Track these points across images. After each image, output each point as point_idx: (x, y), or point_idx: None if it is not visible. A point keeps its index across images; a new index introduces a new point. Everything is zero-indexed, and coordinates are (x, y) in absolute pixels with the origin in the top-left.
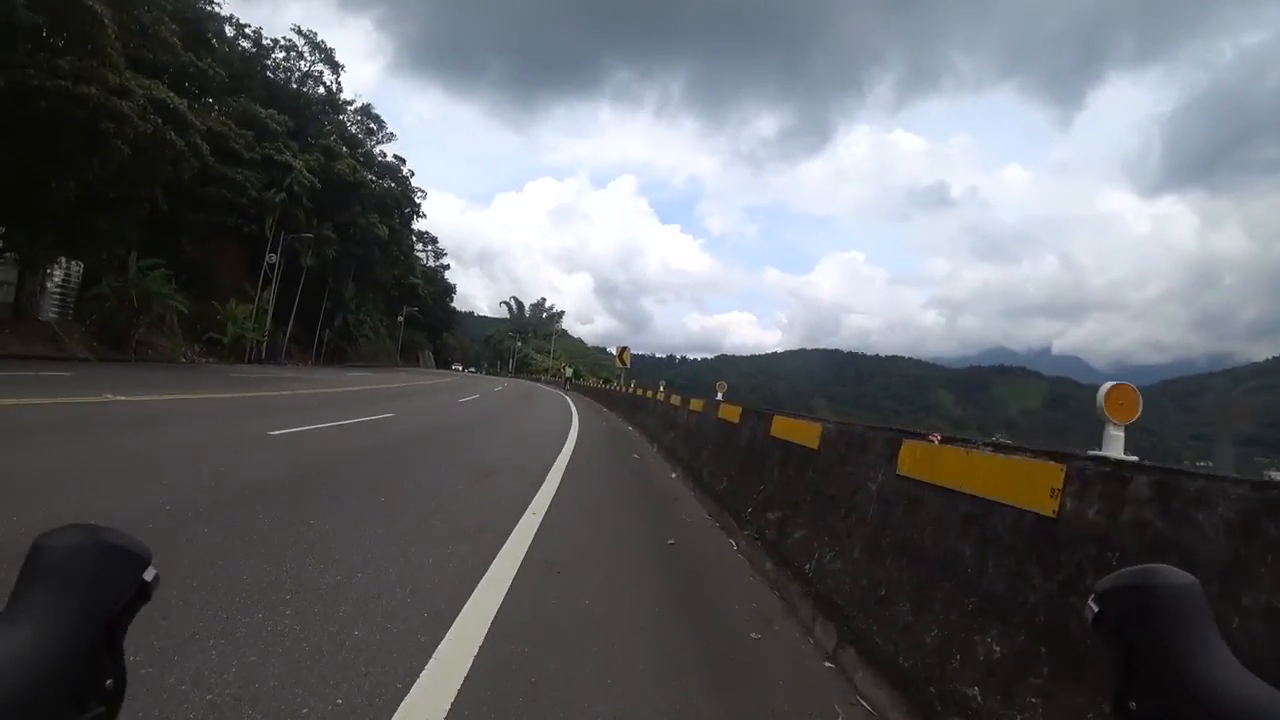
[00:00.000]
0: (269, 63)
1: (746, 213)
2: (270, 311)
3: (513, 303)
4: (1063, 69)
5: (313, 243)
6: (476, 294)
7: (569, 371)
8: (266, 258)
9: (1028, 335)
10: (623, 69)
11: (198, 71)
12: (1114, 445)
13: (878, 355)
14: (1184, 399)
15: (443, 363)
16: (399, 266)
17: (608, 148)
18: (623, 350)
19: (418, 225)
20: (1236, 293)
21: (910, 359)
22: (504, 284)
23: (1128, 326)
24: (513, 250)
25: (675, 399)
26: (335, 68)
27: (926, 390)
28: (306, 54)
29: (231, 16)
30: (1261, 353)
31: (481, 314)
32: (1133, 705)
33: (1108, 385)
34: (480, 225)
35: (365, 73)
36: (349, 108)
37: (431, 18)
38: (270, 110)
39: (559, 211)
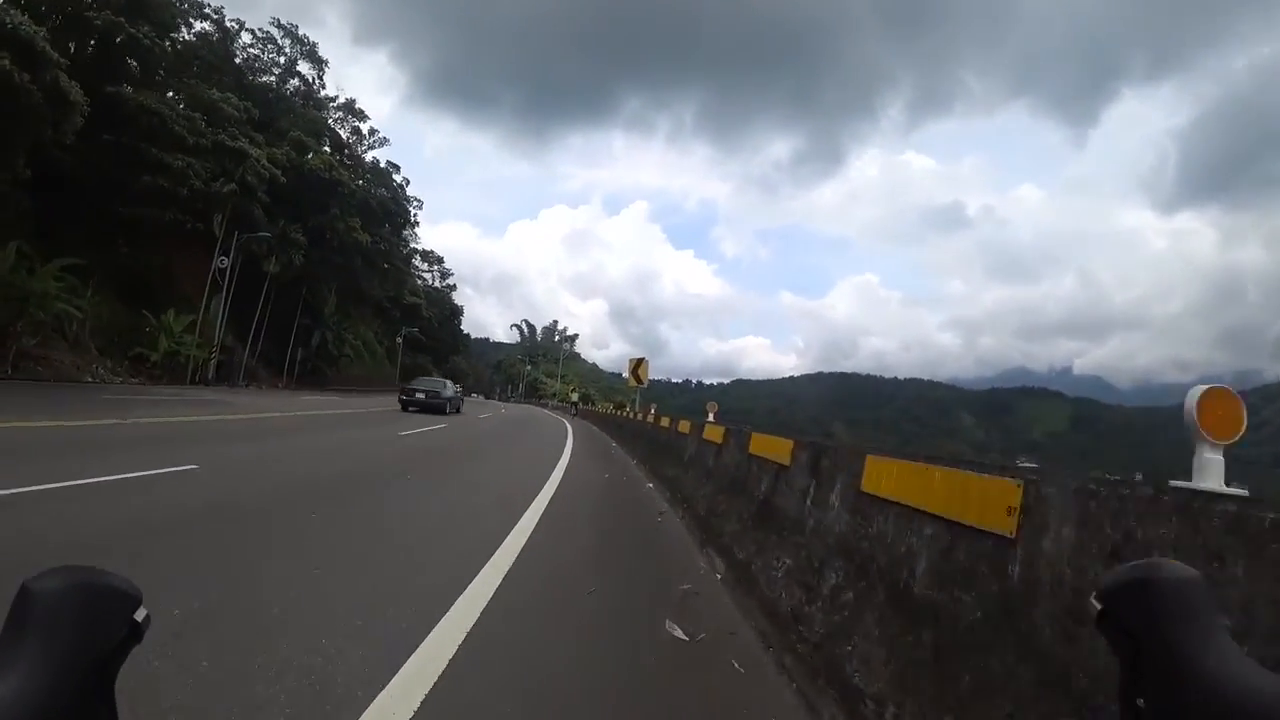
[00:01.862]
0: (235, 48)
1: (760, 237)
2: (220, 324)
3: (524, 325)
4: (1075, 87)
5: (275, 245)
6: (493, 320)
7: (574, 396)
8: (216, 260)
9: (1048, 355)
10: (635, 97)
11: (129, 39)
12: (1210, 473)
13: (896, 378)
14: None
15: None
16: (390, 280)
17: (621, 175)
18: (638, 363)
19: (421, 244)
20: (1261, 308)
21: (929, 381)
22: (520, 310)
23: (1151, 344)
24: (528, 277)
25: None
26: (318, 63)
27: (947, 413)
28: (287, 49)
29: None
30: None
31: (497, 340)
32: (1140, 702)
33: (1198, 390)
34: (496, 252)
35: (380, 107)
36: (331, 104)
37: (444, 50)
38: (227, 94)
39: (573, 238)
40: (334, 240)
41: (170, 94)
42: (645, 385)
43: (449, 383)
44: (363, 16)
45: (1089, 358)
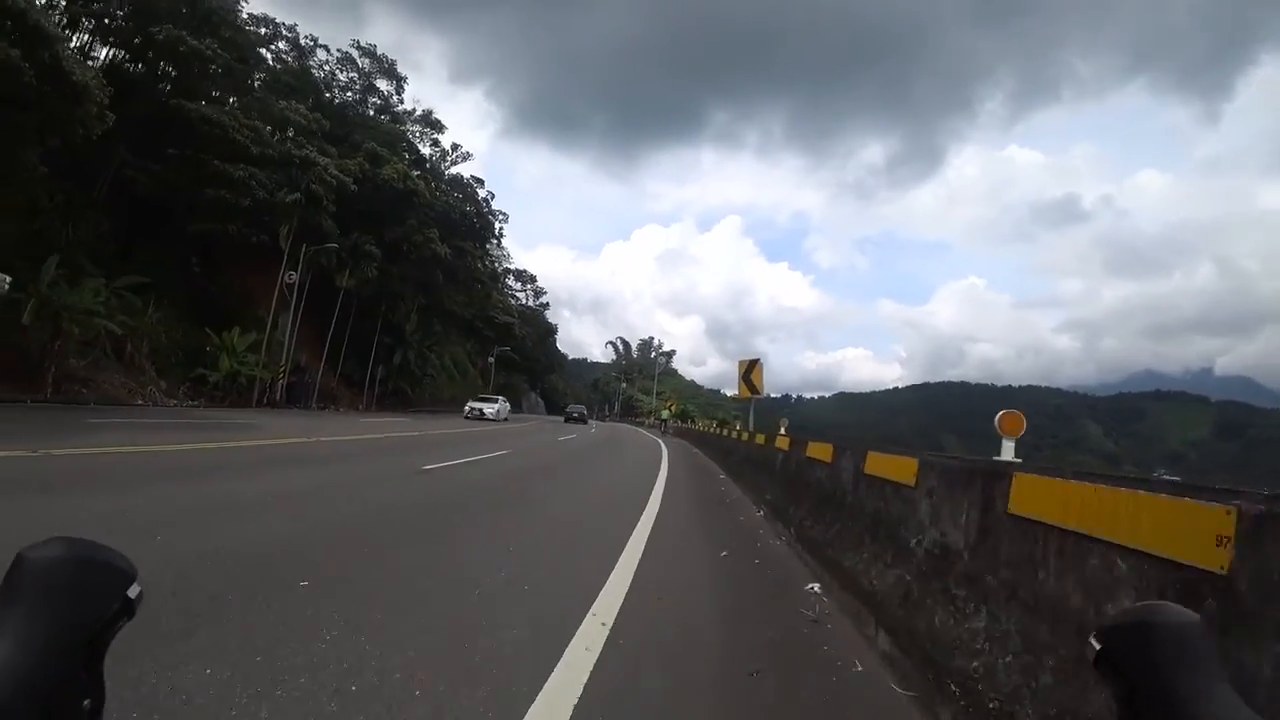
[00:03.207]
0: (311, 64)
1: (856, 245)
2: (289, 342)
3: (619, 343)
4: (1201, 58)
5: (346, 258)
6: (589, 341)
7: (664, 414)
8: (283, 275)
9: (1183, 355)
10: (722, 111)
11: (191, 50)
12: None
13: (1010, 386)
14: None
15: (553, 407)
16: (474, 297)
17: (711, 191)
18: (750, 366)
19: (514, 264)
20: None
21: (1049, 388)
22: (617, 330)
23: None
24: (624, 297)
25: None
26: (396, 79)
27: (1070, 422)
28: (365, 66)
29: (259, 16)
30: None
31: (594, 359)
32: None
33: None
34: (591, 274)
35: (479, 140)
36: (408, 117)
37: (535, 81)
38: (295, 105)
39: (667, 256)
40: (411, 253)
41: (235, 104)
42: (762, 395)
43: (584, 408)
44: (458, 57)
45: (1233, 356)
